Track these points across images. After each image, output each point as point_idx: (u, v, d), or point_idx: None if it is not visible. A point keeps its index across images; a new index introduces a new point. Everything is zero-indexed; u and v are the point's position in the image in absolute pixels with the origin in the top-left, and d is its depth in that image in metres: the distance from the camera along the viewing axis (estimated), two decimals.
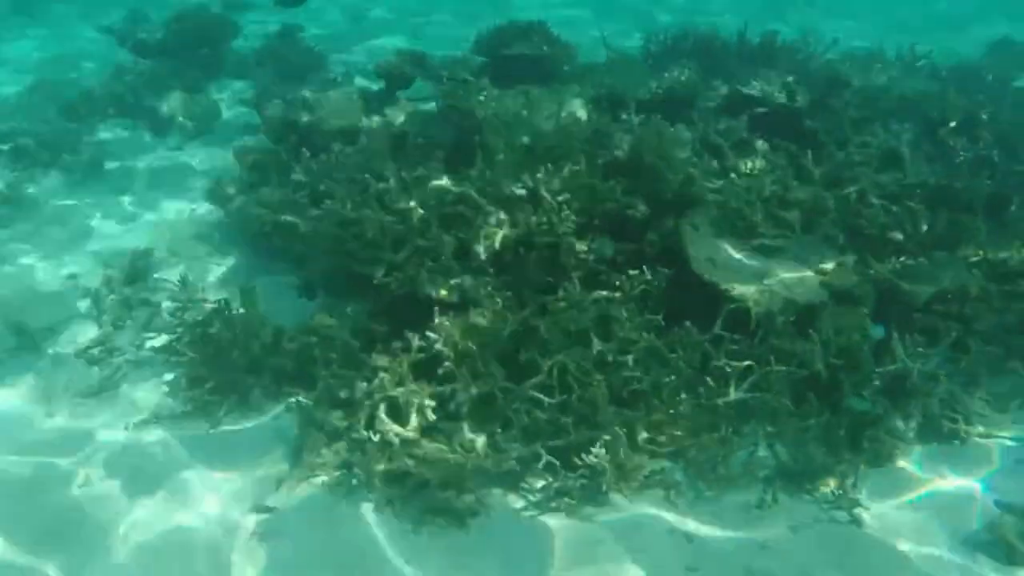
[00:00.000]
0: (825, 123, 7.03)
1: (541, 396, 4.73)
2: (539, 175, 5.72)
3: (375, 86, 7.80)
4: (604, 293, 5.39)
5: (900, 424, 5.03)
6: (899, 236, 5.50)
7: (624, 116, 7.03)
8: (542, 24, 8.10)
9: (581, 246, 5.56)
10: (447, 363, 5.02)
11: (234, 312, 5.58)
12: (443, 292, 5.27)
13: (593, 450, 4.55)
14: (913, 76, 8.72)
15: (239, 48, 10.82)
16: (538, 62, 7.83)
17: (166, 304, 6.07)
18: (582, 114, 7.05)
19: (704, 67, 8.76)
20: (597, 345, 5.00)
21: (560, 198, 5.66)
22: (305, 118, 7.15)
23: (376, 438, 4.76)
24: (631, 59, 9.13)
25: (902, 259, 5.44)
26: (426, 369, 5.09)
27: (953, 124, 7.25)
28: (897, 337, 5.07)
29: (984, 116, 7.29)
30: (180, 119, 9.19)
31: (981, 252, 5.62)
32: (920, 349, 5.20)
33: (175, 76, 9.87)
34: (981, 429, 5.11)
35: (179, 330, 5.57)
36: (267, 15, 11.67)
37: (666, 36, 9.45)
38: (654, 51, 9.45)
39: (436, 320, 5.22)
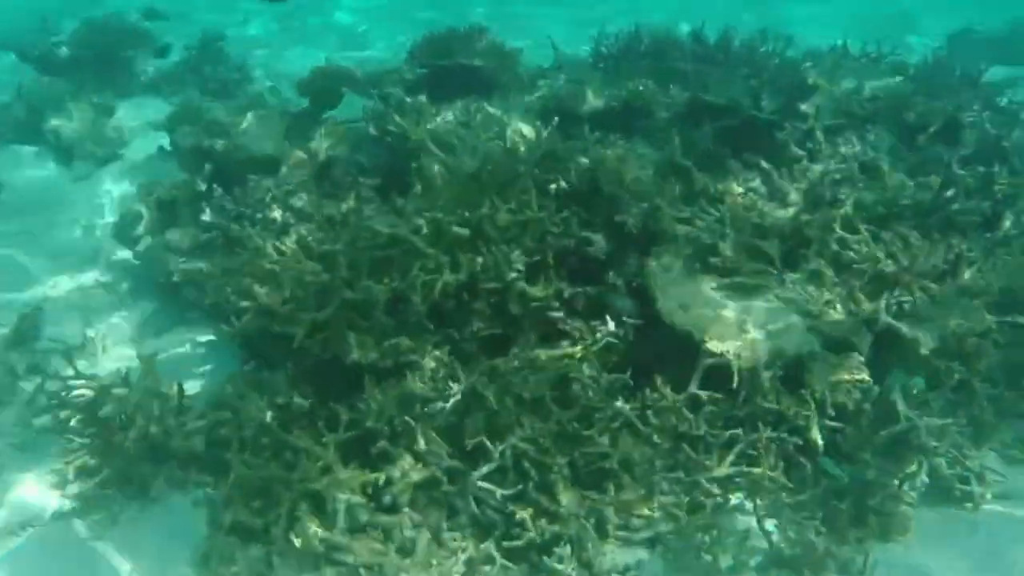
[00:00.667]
0: (796, 132, 6.39)
1: (492, 487, 4.00)
2: (483, 209, 5.00)
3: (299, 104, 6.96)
4: (563, 347, 4.69)
5: (904, 489, 4.38)
6: (892, 268, 4.84)
7: (577, 132, 6.35)
8: (484, 29, 7.33)
9: (534, 291, 4.85)
10: (381, 443, 4.28)
11: (132, 386, 4.78)
12: (374, 356, 4.52)
13: (556, 550, 3.84)
14: (882, 75, 8.10)
15: (155, 62, 9.88)
16: (481, 72, 7.07)
17: (56, 374, 5.20)
18: (530, 131, 6.34)
19: (661, 70, 8.14)
20: (557, 415, 4.28)
21: (508, 235, 4.97)
22: (220, 145, 6.33)
23: (298, 541, 4.00)
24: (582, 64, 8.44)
25: (897, 295, 4.77)
26: (356, 450, 4.35)
27: (933, 129, 6.65)
28: (899, 389, 4.42)
29: (966, 119, 6.70)
30: (87, 144, 8.27)
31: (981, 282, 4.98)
32: (921, 394, 4.61)
33: (82, 94, 8.93)
34: (995, 491, 4.48)
35: (67, 410, 4.74)
36: (187, 24, 10.76)
37: (618, 37, 8.75)
38: (606, 53, 8.74)
39: (367, 390, 4.47)
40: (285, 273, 4.80)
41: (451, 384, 4.43)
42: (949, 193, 5.30)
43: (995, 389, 4.92)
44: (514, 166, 5.45)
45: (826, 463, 4.33)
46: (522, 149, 5.70)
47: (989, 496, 4.45)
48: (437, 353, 4.67)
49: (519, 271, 4.83)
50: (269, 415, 4.48)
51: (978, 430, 4.76)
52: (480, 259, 4.83)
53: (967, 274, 5.00)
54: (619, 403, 4.33)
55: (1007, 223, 5.64)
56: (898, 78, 7.79)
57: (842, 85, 7.59)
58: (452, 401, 4.32)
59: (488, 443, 4.05)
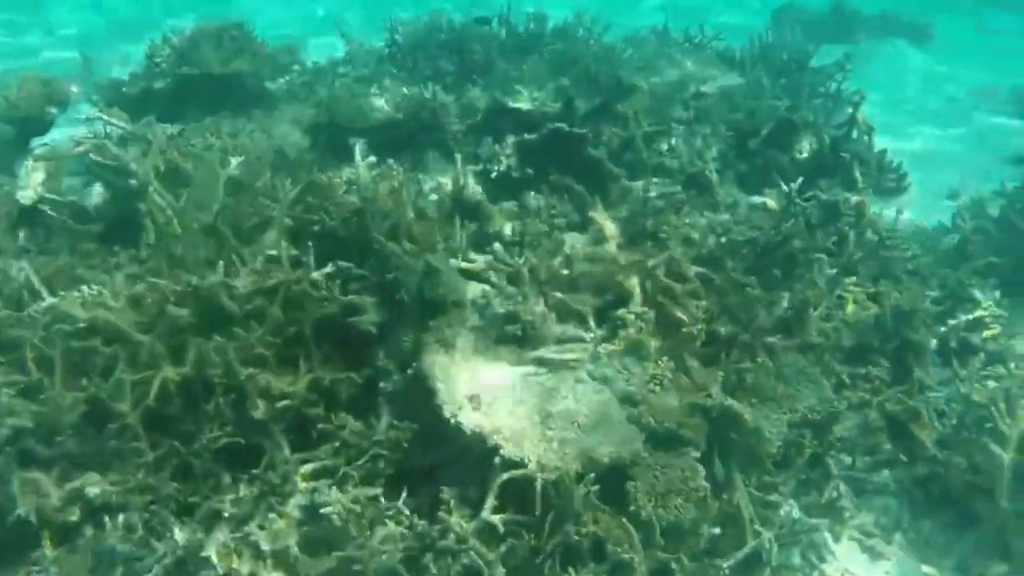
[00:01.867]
0: (613, 141, 5.48)
1: None
2: (214, 275, 3.83)
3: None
4: (321, 460, 3.60)
5: None
6: (728, 328, 3.96)
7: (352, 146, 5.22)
8: (239, 25, 6.04)
9: (282, 384, 3.72)
10: None
11: None
12: (52, 504, 3.29)
13: None
14: (708, 64, 7.31)
15: None
16: (239, 80, 5.81)
17: None
18: (294, 155, 5.15)
19: (462, 65, 7.12)
20: (305, 571, 3.18)
21: (249, 307, 3.82)
22: None
23: None
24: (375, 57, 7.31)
25: (735, 360, 3.90)
26: None
27: (765, 132, 5.89)
28: (743, 496, 3.54)
29: (800, 119, 5.96)
30: None
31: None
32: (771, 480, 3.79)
33: None
34: None
35: None
36: None
37: (416, 26, 7.63)
38: (403, 44, 7.59)
39: (45, 548, 3.26)
40: None
41: (162, 535, 3.26)
42: (788, 224, 4.45)
43: (850, 458, 4.15)
44: (263, 209, 4.32)
45: None
46: (275, 184, 4.52)
47: None
48: (151, 482, 3.49)
49: (263, 357, 3.71)
50: None
51: (836, 517, 3.96)
52: (211, 345, 3.66)
53: (812, 324, 4.20)
54: (387, 549, 3.25)
55: (850, 247, 4.93)
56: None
57: (665, 78, 6.79)
58: (159, 566, 3.15)
59: None
